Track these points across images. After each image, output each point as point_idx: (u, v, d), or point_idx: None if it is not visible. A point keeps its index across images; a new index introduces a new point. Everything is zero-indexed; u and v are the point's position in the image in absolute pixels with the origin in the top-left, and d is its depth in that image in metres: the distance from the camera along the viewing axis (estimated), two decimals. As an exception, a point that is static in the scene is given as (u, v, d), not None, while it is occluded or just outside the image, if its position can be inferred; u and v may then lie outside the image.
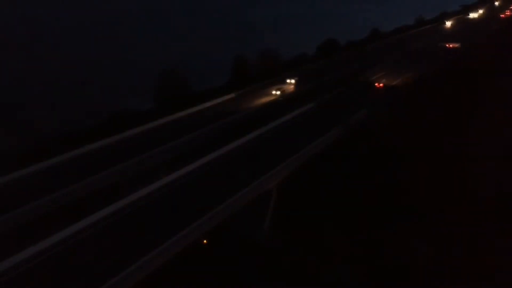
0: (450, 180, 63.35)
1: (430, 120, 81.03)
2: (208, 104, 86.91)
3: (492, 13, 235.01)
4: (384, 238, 52.53)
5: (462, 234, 52.78)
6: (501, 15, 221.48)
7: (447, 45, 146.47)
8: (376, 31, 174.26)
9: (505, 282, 45.95)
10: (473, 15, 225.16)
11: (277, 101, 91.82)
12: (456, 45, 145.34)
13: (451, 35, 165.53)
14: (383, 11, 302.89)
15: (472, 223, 54.22)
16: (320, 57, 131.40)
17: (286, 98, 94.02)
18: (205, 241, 48.49)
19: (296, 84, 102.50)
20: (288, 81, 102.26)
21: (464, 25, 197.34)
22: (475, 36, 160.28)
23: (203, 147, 66.16)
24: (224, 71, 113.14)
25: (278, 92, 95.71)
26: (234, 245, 50.12)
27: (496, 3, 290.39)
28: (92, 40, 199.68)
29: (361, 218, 55.19)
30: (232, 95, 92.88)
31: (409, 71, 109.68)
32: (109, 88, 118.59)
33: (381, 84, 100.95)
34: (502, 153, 70.44)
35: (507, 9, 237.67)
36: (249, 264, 48.36)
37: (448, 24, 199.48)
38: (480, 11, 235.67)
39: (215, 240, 48.95)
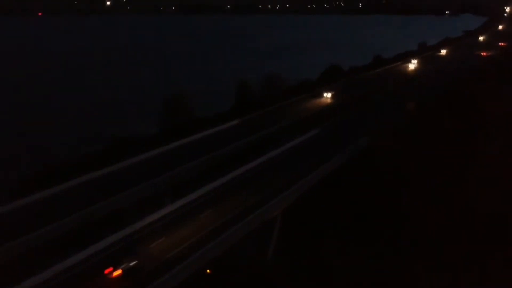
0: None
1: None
2: (212, 130, 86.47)
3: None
4: (386, 264, 52.56)
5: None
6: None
7: (481, 54, 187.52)
8: (378, 58, 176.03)
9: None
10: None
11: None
12: (489, 53, 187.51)
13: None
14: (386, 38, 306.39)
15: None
16: (324, 81, 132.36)
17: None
18: (208, 270, 48.45)
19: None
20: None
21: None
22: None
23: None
24: (228, 96, 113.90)
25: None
26: (238, 274, 50.04)
27: (500, 27, 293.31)
28: (99, 65, 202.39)
29: (365, 243, 55.26)
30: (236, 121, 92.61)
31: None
32: (115, 112, 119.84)
33: None
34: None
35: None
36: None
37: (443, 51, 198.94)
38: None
39: (218, 269, 48.94)
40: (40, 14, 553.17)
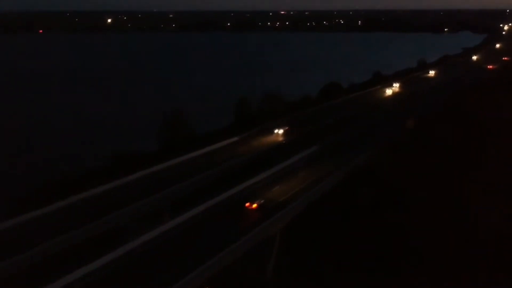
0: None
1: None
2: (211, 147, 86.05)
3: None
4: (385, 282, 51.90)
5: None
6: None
7: (488, 67, 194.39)
8: (377, 74, 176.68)
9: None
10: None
11: None
12: (495, 66, 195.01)
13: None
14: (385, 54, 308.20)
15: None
16: (322, 99, 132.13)
17: None
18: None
19: None
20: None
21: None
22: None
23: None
24: (228, 113, 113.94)
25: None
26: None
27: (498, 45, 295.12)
28: (98, 81, 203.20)
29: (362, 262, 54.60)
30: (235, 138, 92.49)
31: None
32: (114, 129, 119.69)
33: None
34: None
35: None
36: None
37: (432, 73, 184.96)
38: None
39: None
40: (40, 31, 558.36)
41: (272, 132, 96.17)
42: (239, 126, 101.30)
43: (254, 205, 61.56)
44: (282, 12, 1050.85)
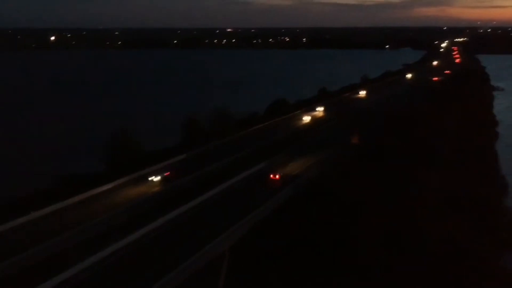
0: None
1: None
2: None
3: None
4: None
5: None
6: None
7: (433, 79, 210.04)
8: (323, 90, 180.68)
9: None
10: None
11: None
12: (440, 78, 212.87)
13: None
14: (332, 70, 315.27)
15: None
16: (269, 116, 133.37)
17: None
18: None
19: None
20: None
21: None
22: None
23: None
24: (176, 130, 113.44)
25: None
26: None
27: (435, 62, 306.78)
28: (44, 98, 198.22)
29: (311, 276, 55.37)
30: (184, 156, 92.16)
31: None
32: (59, 149, 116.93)
33: None
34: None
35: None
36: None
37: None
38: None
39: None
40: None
41: (146, 180, 76.02)
42: (189, 144, 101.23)
43: None
44: (228, 30, 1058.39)
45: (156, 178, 76.33)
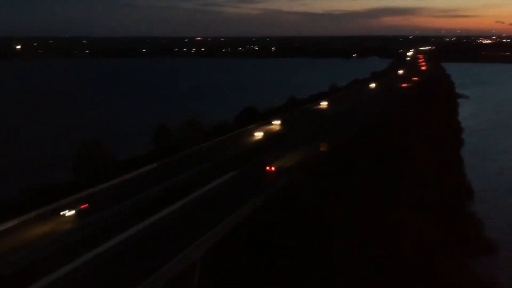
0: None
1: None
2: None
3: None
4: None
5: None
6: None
7: (402, 85, 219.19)
8: (292, 99, 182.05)
9: None
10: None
11: None
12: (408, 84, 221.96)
13: None
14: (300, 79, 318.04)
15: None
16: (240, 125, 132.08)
17: None
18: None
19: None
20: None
21: None
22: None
23: None
24: (147, 140, 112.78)
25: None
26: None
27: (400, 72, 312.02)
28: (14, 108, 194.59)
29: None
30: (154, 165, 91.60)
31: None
32: (29, 159, 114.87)
33: None
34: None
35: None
36: None
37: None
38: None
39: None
40: None
41: (58, 215, 62.63)
42: (160, 153, 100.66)
43: None
44: (198, 38, 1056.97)
45: (70, 212, 63.39)
